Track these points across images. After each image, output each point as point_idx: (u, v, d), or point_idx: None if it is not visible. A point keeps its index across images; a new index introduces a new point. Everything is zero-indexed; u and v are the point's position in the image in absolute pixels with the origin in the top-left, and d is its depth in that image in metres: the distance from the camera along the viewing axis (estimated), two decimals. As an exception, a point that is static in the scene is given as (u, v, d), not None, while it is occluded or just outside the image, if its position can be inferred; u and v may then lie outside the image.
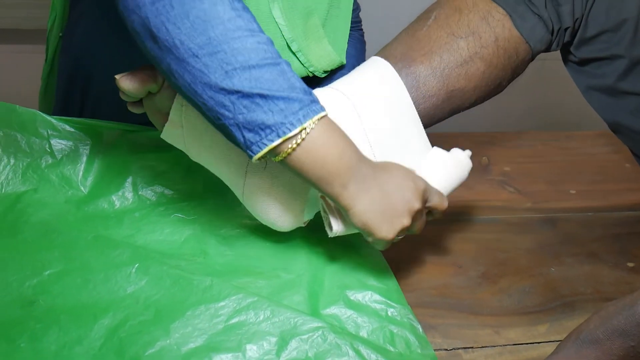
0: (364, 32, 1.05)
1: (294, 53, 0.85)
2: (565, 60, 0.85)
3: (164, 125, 0.73)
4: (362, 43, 1.04)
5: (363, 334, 0.70)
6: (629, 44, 0.78)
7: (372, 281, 0.77)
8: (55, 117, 0.85)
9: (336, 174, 0.64)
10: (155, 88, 0.69)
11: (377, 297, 0.74)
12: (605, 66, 0.80)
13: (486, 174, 1.07)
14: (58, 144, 0.84)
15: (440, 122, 0.86)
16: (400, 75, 0.78)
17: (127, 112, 0.74)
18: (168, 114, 0.72)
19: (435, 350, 0.71)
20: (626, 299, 0.61)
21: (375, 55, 0.82)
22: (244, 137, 0.61)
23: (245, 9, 0.62)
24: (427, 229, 0.91)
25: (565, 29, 0.81)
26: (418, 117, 0.78)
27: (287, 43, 0.84)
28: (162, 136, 0.74)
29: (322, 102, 0.72)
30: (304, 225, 0.78)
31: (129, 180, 0.84)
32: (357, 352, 0.66)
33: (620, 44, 0.78)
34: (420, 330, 0.71)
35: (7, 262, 0.71)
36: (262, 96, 0.60)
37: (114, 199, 0.82)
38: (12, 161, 0.81)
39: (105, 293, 0.69)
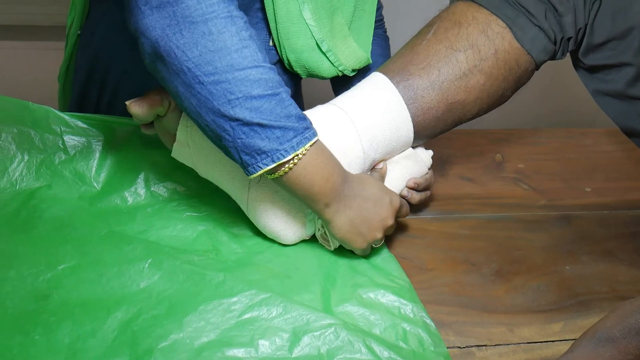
0: (386, 29, 1.05)
1: (324, 53, 0.86)
2: (575, 65, 0.85)
3: (173, 145, 0.76)
4: (386, 39, 1.05)
5: (376, 331, 0.70)
6: (637, 52, 0.78)
7: (384, 279, 0.77)
8: (68, 113, 0.85)
9: (322, 194, 0.71)
10: (162, 111, 0.74)
11: (389, 295, 0.74)
12: (614, 73, 0.80)
13: (500, 171, 1.06)
14: (71, 140, 0.84)
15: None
16: (398, 88, 0.80)
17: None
18: (175, 135, 0.75)
19: (448, 348, 0.70)
20: (643, 297, 0.60)
21: (376, 70, 0.84)
22: (241, 158, 0.67)
23: (252, 37, 0.65)
24: (441, 225, 0.91)
25: (569, 39, 0.81)
26: (412, 130, 0.81)
27: (317, 43, 0.85)
28: (172, 155, 0.78)
29: (322, 118, 0.78)
30: (307, 238, 0.80)
31: (142, 176, 0.84)
32: (370, 349, 0.66)
33: (627, 51, 0.78)
34: (434, 327, 0.71)
35: (22, 257, 0.72)
36: (260, 125, 0.65)
37: (127, 195, 0.83)
38: (25, 157, 0.82)
39: (118, 287, 0.69)
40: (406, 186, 0.86)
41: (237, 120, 0.65)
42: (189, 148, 0.76)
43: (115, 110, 0.91)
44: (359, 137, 0.78)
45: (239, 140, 0.66)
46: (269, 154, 0.66)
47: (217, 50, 0.63)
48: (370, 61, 0.93)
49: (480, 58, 0.80)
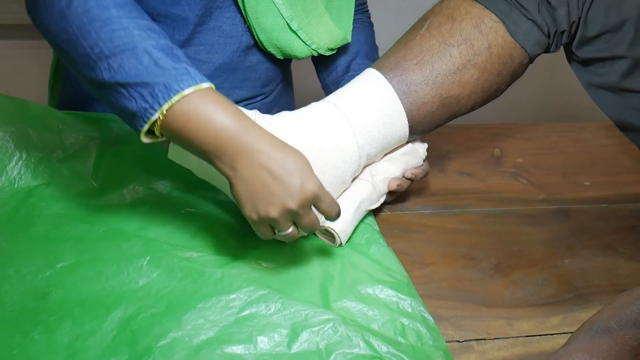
0: (370, 14, 1.05)
1: (294, 32, 0.86)
2: (569, 58, 0.85)
3: (169, 146, 0.75)
4: (370, 26, 1.04)
5: (374, 326, 0.70)
6: (630, 45, 0.78)
7: (382, 275, 0.77)
8: (66, 111, 0.85)
9: (205, 147, 0.64)
10: None
11: (388, 290, 0.74)
12: (607, 66, 0.80)
13: (499, 166, 1.06)
14: (69, 138, 0.85)
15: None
16: (392, 84, 0.80)
17: None
18: None
19: (447, 342, 0.70)
20: (640, 289, 0.60)
21: (370, 66, 0.84)
22: (125, 122, 0.65)
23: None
24: (440, 220, 0.91)
25: (562, 32, 0.81)
26: (407, 125, 0.81)
27: (287, 22, 0.85)
28: (169, 156, 0.76)
29: (316, 115, 0.77)
30: (304, 235, 0.80)
31: (140, 173, 0.84)
32: (368, 343, 0.66)
33: (621, 44, 0.78)
34: (432, 322, 0.71)
35: (21, 255, 0.72)
36: (122, 85, 0.62)
37: (125, 192, 0.83)
38: (24, 156, 0.82)
39: (117, 285, 0.69)
40: (404, 176, 0.86)
41: (102, 83, 0.63)
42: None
43: (103, 110, 0.91)
44: (354, 133, 0.78)
45: (113, 105, 0.64)
46: (139, 114, 0.62)
47: (67, 15, 0.62)
48: (349, 40, 0.92)
49: (473, 53, 0.80)
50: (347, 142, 0.78)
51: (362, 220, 0.85)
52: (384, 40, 1.02)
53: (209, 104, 0.63)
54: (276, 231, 0.68)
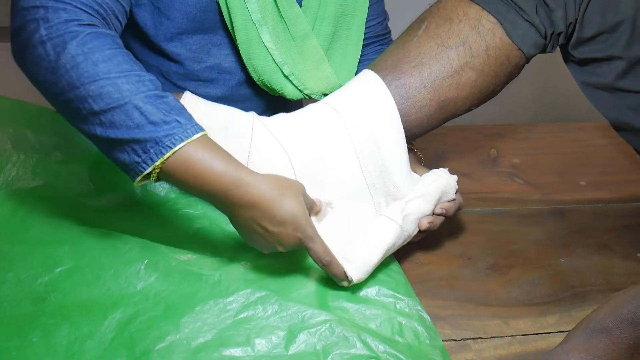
0: (390, 30, 1.03)
1: (286, 77, 0.86)
2: (565, 58, 0.85)
3: None
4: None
5: (371, 326, 0.70)
6: (626, 45, 0.78)
7: (379, 275, 0.77)
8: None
9: (205, 197, 0.68)
10: None
11: (385, 290, 0.74)
12: (603, 66, 0.81)
13: (495, 166, 1.07)
14: (67, 140, 0.84)
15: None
16: (390, 87, 0.80)
17: None
18: None
19: (444, 340, 0.71)
20: (636, 287, 0.60)
21: (367, 68, 0.83)
22: (120, 168, 0.66)
23: (93, 50, 0.63)
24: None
25: (559, 33, 0.81)
26: (402, 129, 0.80)
27: (279, 67, 0.84)
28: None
29: (313, 117, 0.77)
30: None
31: (138, 175, 0.84)
32: (365, 343, 0.66)
33: (617, 45, 0.78)
34: (429, 321, 0.71)
35: (19, 258, 0.72)
36: (114, 140, 0.63)
37: (122, 194, 0.83)
38: (22, 157, 0.82)
39: (115, 289, 0.69)
40: (434, 212, 0.80)
41: (95, 136, 0.64)
42: None
43: None
44: (350, 135, 0.78)
45: (107, 155, 0.66)
46: (132, 167, 0.65)
47: (56, 69, 0.62)
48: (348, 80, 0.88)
49: (471, 55, 0.80)
50: (343, 145, 0.78)
51: None
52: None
53: (204, 155, 0.65)
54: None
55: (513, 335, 0.74)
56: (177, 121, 0.64)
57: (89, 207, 0.81)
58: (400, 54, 0.82)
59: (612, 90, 0.80)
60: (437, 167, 1.03)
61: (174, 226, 0.80)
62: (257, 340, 0.66)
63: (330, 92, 0.86)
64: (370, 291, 0.74)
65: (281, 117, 0.80)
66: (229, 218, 0.70)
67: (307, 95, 0.88)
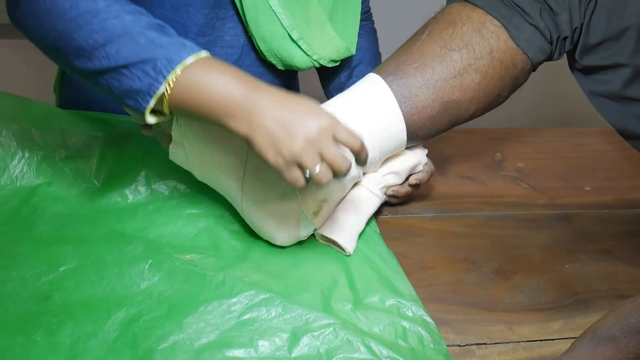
0: (374, 21, 1.05)
1: (295, 42, 0.85)
2: (571, 67, 0.85)
3: (169, 146, 0.75)
4: (374, 32, 1.03)
5: (375, 330, 0.70)
6: (632, 53, 0.77)
7: (383, 278, 0.77)
8: (68, 111, 0.85)
9: (219, 109, 0.64)
10: None
11: (388, 294, 0.74)
12: (609, 74, 0.80)
13: (500, 170, 1.06)
14: (72, 137, 0.84)
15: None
16: (392, 87, 0.80)
17: None
18: (171, 136, 0.74)
19: (448, 346, 0.70)
20: (643, 296, 0.60)
21: (372, 72, 0.84)
22: (129, 105, 0.65)
23: None
24: (440, 224, 0.91)
25: (565, 38, 0.81)
26: (404, 128, 0.80)
27: (287, 31, 0.84)
28: (170, 157, 0.76)
29: None
30: (303, 239, 0.80)
31: (142, 173, 0.84)
32: (369, 348, 0.66)
33: (622, 52, 0.78)
34: (433, 325, 0.71)
35: (23, 256, 0.72)
36: (124, 67, 0.63)
37: (127, 192, 0.83)
38: (26, 155, 0.82)
39: (119, 289, 0.69)
40: (409, 184, 0.87)
41: (102, 71, 0.63)
42: (184, 148, 0.75)
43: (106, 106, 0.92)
44: None
45: (115, 89, 0.64)
46: (145, 91, 0.63)
47: (52, 12, 0.63)
48: (353, 52, 0.90)
49: (475, 57, 0.80)
50: None
51: None
52: (386, 46, 1.02)
53: (213, 69, 0.64)
54: (307, 174, 0.65)
55: (517, 342, 0.74)
56: (183, 43, 0.64)
57: (93, 206, 0.80)
58: (403, 57, 0.82)
59: (618, 98, 0.80)
60: (442, 170, 1.04)
61: (177, 225, 0.79)
62: (260, 342, 0.65)
63: (338, 58, 0.86)
64: (373, 295, 0.74)
65: None
66: (249, 132, 0.64)
67: (316, 61, 0.87)
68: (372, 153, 0.80)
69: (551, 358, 0.72)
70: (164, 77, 0.63)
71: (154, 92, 0.63)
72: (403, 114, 0.80)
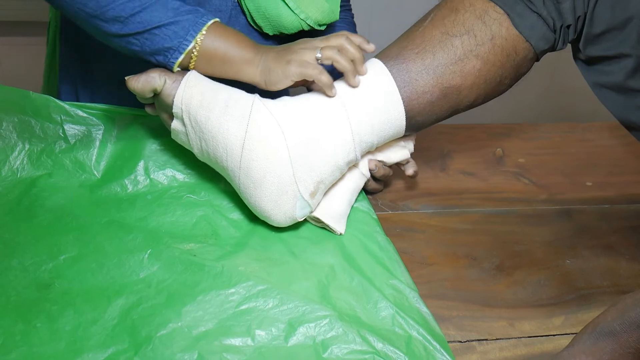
0: (354, 15, 1.05)
1: (284, 2, 0.86)
2: (575, 57, 0.84)
3: (171, 125, 0.78)
4: (354, 26, 1.04)
5: (371, 321, 0.70)
6: (636, 43, 0.77)
7: (381, 269, 0.76)
8: (68, 102, 0.85)
9: (239, 55, 0.78)
10: (158, 88, 0.76)
11: (386, 284, 0.74)
12: (613, 64, 0.79)
13: (501, 166, 1.06)
14: (71, 129, 0.85)
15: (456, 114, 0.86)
16: (392, 72, 0.80)
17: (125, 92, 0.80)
18: (172, 114, 0.77)
19: (449, 342, 0.70)
20: (644, 291, 0.60)
21: (374, 57, 0.84)
22: (157, 60, 0.76)
23: None
24: (441, 220, 0.91)
25: (568, 26, 0.80)
26: (404, 112, 0.81)
27: None
28: (172, 136, 0.80)
29: (313, 101, 0.80)
30: (299, 220, 0.80)
31: (141, 164, 0.84)
32: (364, 339, 0.66)
33: (626, 42, 0.77)
34: (431, 317, 0.71)
35: (24, 246, 0.72)
36: (157, 28, 0.74)
37: (127, 182, 0.83)
38: (26, 146, 0.82)
39: (119, 277, 0.70)
40: (407, 174, 0.89)
41: (136, 33, 0.74)
42: (185, 127, 0.77)
43: (100, 97, 0.94)
44: (348, 117, 0.78)
45: (147, 48, 0.75)
46: (175, 48, 0.75)
47: None
48: (337, 17, 0.93)
49: (476, 43, 0.79)
50: (341, 127, 0.78)
51: (360, 210, 0.86)
52: (385, 43, 1.01)
53: (228, 30, 0.78)
54: (319, 53, 0.78)
55: (519, 337, 0.73)
56: (201, 11, 0.77)
57: (93, 196, 0.81)
58: (405, 43, 0.82)
59: (622, 89, 0.79)
60: (443, 166, 1.03)
61: (177, 214, 0.80)
62: (257, 332, 0.66)
63: (323, 21, 0.91)
64: (370, 285, 0.74)
65: (284, 99, 0.80)
66: (267, 69, 0.78)
67: (303, 20, 0.89)
68: (371, 137, 0.80)
69: (552, 354, 0.72)
70: (193, 36, 0.75)
71: (184, 49, 0.75)
72: (402, 99, 0.80)
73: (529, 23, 0.79)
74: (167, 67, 0.76)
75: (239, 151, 0.75)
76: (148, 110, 0.81)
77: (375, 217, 0.85)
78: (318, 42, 0.80)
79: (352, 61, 0.79)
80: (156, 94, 0.77)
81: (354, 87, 0.79)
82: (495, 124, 1.19)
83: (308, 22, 0.89)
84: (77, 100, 0.96)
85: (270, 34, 0.91)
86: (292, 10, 0.88)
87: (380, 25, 1.11)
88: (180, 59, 0.76)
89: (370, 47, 0.82)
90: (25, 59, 1.62)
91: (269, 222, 0.79)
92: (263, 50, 0.78)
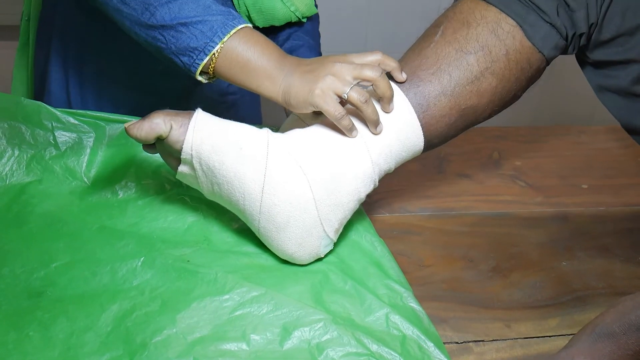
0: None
1: None
2: (580, 60, 0.83)
3: (178, 168, 0.72)
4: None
5: (365, 324, 0.69)
6: None
7: (374, 269, 0.76)
8: (59, 109, 0.85)
9: (261, 68, 0.72)
10: (164, 134, 0.69)
11: (379, 285, 0.73)
12: (620, 69, 0.78)
13: (497, 169, 1.06)
14: (62, 135, 0.84)
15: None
16: (408, 96, 0.76)
17: (107, 93, 0.80)
18: (179, 158, 0.71)
19: (445, 343, 0.70)
20: (644, 293, 0.59)
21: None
22: (182, 61, 0.73)
23: None
24: (438, 222, 0.91)
25: (580, 35, 0.78)
26: (422, 140, 0.77)
27: None
28: (177, 177, 0.74)
29: (331, 130, 0.75)
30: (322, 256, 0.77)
31: (132, 170, 0.84)
32: (359, 341, 0.66)
33: (635, 48, 0.76)
34: (426, 319, 0.70)
35: (14, 253, 0.71)
36: (184, 25, 0.71)
37: (117, 188, 0.82)
38: (16, 152, 0.82)
39: (112, 285, 0.69)
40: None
41: (162, 26, 0.71)
42: (194, 171, 0.72)
43: (83, 98, 0.95)
44: (369, 152, 0.74)
45: (172, 46, 0.72)
46: (201, 49, 0.71)
47: None
48: (315, 11, 0.97)
49: (491, 60, 0.77)
50: (361, 161, 0.74)
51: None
52: (385, 44, 1.01)
53: (256, 38, 0.73)
54: (345, 95, 0.71)
55: (515, 339, 0.73)
56: (233, 13, 0.73)
57: (83, 203, 0.80)
58: (418, 61, 0.78)
59: (626, 94, 0.78)
60: (440, 169, 1.03)
61: (168, 219, 0.79)
62: (252, 336, 0.65)
63: (306, 12, 0.93)
64: (365, 288, 0.73)
65: (296, 132, 0.76)
66: (288, 85, 0.72)
67: (293, 12, 0.92)
68: (389, 165, 0.76)
69: (548, 355, 0.71)
70: (220, 38, 0.71)
71: (209, 51, 0.71)
72: (421, 125, 0.76)
73: (542, 34, 0.77)
74: (190, 71, 0.73)
75: (259, 196, 0.71)
76: (146, 150, 0.74)
77: (366, 216, 0.84)
78: (354, 57, 0.74)
79: (380, 98, 0.73)
80: (160, 139, 0.70)
81: (375, 134, 0.74)
82: (491, 127, 1.19)
83: (297, 14, 0.92)
84: (69, 104, 0.96)
85: (261, 26, 0.92)
86: (284, 3, 0.91)
87: (379, 26, 1.11)
88: (204, 61, 0.72)
89: (402, 77, 0.76)
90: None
91: (291, 262, 0.75)
92: (289, 66, 0.72)
